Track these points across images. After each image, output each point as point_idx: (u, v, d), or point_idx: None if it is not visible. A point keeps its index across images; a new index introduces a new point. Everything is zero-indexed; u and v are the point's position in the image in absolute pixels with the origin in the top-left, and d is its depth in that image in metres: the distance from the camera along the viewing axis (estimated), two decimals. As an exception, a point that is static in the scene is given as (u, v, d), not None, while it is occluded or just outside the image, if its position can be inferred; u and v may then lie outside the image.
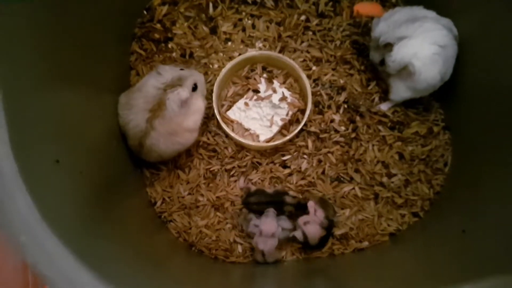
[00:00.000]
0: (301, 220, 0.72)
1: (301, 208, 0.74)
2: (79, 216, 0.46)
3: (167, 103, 0.67)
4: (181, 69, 0.71)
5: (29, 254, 0.35)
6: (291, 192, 0.76)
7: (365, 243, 0.76)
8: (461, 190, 0.74)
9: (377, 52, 0.75)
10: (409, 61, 0.70)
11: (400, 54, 0.71)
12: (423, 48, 0.70)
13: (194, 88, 0.70)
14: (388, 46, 0.71)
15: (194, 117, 0.71)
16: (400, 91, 0.76)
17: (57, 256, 0.35)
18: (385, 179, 0.78)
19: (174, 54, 0.82)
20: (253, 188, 0.75)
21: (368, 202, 0.78)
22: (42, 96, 0.50)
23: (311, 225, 0.71)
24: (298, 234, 0.72)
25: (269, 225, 0.70)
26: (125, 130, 0.71)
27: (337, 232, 0.76)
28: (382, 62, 0.74)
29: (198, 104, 0.72)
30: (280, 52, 0.81)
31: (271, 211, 0.73)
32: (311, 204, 0.72)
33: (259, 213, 0.73)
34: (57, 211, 0.41)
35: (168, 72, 0.69)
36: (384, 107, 0.80)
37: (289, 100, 0.78)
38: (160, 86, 0.67)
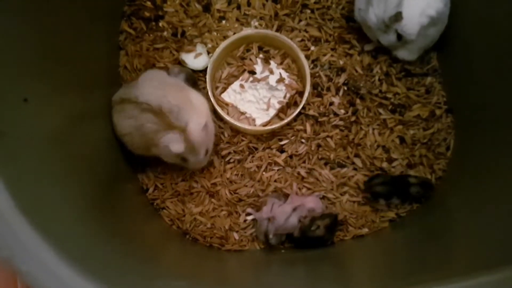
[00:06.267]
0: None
1: (428, 188, 0.72)
2: (59, 203, 0.42)
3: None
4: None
5: (1, 247, 0.31)
6: (410, 172, 0.74)
7: (365, 230, 0.74)
8: (464, 175, 0.72)
9: (389, 31, 0.70)
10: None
11: (414, 8, 0.66)
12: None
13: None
14: (398, 15, 0.66)
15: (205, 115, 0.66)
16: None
17: (34, 248, 0.31)
18: (385, 164, 0.76)
19: (165, 33, 0.78)
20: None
21: (368, 187, 0.75)
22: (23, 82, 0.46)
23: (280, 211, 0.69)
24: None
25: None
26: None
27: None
28: (400, 37, 0.69)
29: (200, 99, 0.67)
30: (277, 31, 0.77)
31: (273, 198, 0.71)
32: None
33: (384, 196, 0.72)
34: (34, 197, 0.37)
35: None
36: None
37: (286, 82, 0.75)
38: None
